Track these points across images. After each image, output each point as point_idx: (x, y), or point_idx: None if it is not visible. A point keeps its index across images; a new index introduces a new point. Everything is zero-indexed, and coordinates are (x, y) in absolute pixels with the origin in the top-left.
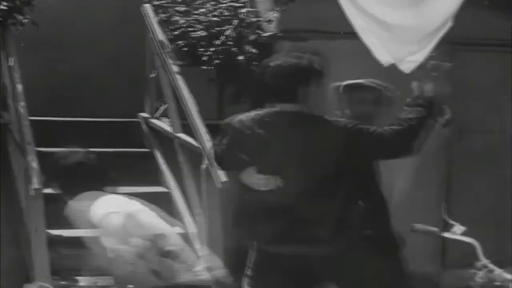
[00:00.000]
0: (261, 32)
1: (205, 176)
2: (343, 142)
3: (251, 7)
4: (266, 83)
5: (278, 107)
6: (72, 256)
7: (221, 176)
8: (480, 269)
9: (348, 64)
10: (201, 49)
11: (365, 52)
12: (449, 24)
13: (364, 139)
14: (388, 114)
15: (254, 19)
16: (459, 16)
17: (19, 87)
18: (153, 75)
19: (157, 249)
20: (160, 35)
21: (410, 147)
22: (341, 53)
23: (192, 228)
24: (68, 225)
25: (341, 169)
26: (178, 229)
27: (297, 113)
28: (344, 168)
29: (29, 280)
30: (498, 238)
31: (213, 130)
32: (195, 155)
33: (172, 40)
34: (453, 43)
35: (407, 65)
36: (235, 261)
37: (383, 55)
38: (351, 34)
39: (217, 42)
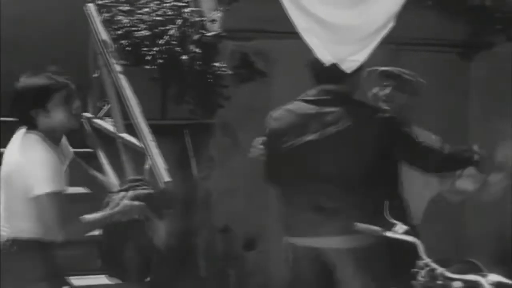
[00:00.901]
0: (205, 32)
1: (148, 176)
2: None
3: (195, 7)
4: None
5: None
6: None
7: (164, 176)
8: (422, 268)
9: (292, 63)
10: (145, 49)
11: (310, 51)
12: (391, 24)
13: (406, 145)
14: (414, 104)
15: (198, 19)
16: (403, 16)
17: None
18: (96, 75)
19: None
20: (103, 34)
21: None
22: (285, 52)
23: None
24: None
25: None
26: None
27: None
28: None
29: None
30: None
31: (156, 130)
32: (138, 155)
33: (115, 40)
34: (397, 43)
35: (349, 65)
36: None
37: (325, 55)
38: (295, 34)
39: (161, 41)
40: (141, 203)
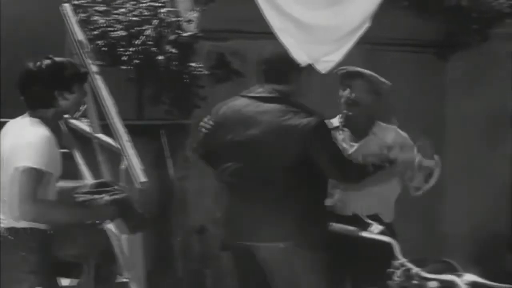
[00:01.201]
0: (181, 32)
1: (124, 177)
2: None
3: (171, 7)
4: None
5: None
6: None
7: (140, 176)
8: (398, 268)
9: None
10: (121, 49)
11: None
12: (367, 25)
13: (323, 155)
14: (378, 106)
15: (174, 19)
16: (379, 16)
17: None
18: None
19: None
20: (79, 34)
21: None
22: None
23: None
24: None
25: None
26: None
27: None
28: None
29: None
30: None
31: (132, 130)
32: (114, 156)
33: (91, 40)
34: (373, 44)
35: (324, 65)
36: None
37: (300, 55)
38: (271, 34)
39: (137, 42)
40: (115, 209)
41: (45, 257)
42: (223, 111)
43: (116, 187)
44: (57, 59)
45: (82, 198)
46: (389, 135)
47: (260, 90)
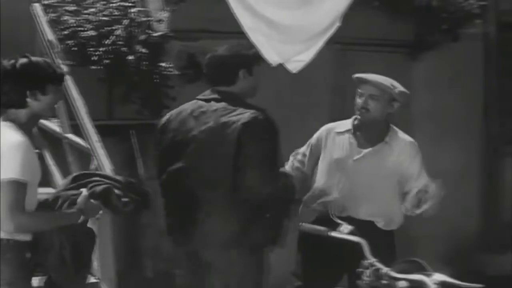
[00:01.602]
0: (151, 32)
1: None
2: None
3: (142, 7)
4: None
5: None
6: None
7: None
8: (367, 268)
9: None
10: (91, 49)
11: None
12: (337, 25)
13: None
14: (386, 112)
15: (144, 19)
16: (349, 16)
17: None
18: None
19: None
20: (49, 34)
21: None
22: None
23: None
24: None
25: None
26: None
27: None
28: None
29: None
30: None
31: (102, 130)
32: (84, 156)
33: (61, 40)
34: (343, 43)
35: (294, 65)
36: None
37: (271, 55)
38: (242, 34)
39: (107, 41)
40: (98, 201)
41: (22, 269)
42: (172, 116)
43: (95, 178)
44: (33, 58)
45: (60, 196)
46: (403, 147)
47: (207, 93)
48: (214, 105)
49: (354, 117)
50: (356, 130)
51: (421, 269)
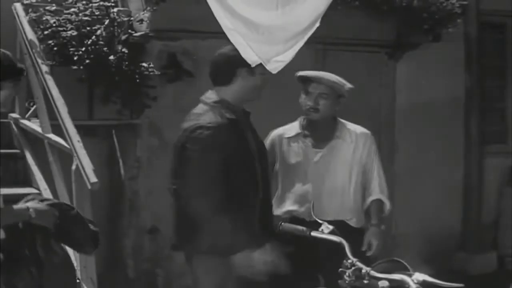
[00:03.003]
0: (132, 32)
1: (75, 177)
2: None
3: (122, 7)
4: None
5: None
6: None
7: (91, 176)
8: (348, 268)
9: None
10: (72, 49)
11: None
12: (317, 25)
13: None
14: (335, 109)
15: (125, 19)
16: (330, 16)
17: None
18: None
19: None
20: (30, 34)
21: None
22: (212, 52)
23: None
24: None
25: None
26: None
27: None
28: None
29: None
30: None
31: (83, 130)
32: (65, 156)
33: (42, 40)
34: (324, 43)
35: (274, 65)
36: None
37: (250, 55)
38: (222, 34)
39: (88, 41)
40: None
41: None
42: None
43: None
44: None
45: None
46: (350, 133)
47: (208, 95)
48: (202, 107)
49: (301, 117)
50: (305, 131)
51: (402, 269)
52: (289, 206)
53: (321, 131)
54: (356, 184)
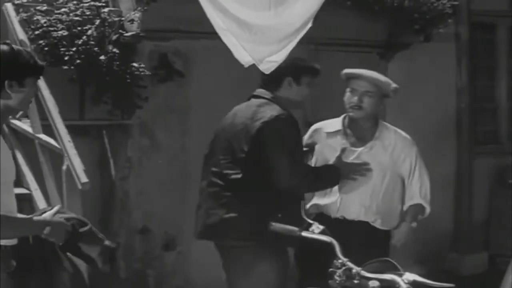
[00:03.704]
0: (123, 32)
1: (66, 177)
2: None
3: (113, 7)
4: None
5: None
6: None
7: (82, 177)
8: (338, 268)
9: (210, 63)
10: (63, 49)
11: (229, 52)
12: (309, 25)
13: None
14: (378, 108)
15: (116, 19)
16: (322, 17)
17: None
18: None
19: None
20: (21, 34)
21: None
22: (203, 52)
23: None
24: None
25: None
26: None
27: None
28: None
29: None
30: None
31: (74, 130)
32: (56, 156)
33: (33, 40)
34: (317, 44)
35: (267, 66)
36: None
37: (243, 56)
38: (214, 34)
39: (79, 42)
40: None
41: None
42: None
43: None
44: (15, 47)
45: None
46: (390, 137)
47: (255, 93)
48: (247, 103)
49: (344, 115)
50: (347, 128)
51: (392, 269)
52: (316, 200)
53: (361, 131)
54: (387, 188)
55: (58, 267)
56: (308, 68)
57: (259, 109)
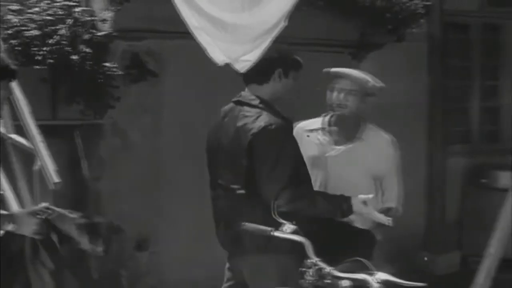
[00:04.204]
0: (95, 32)
1: (37, 177)
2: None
3: (86, 6)
4: None
5: None
6: None
7: (54, 177)
8: (310, 267)
9: (183, 63)
10: (35, 49)
11: (202, 51)
12: (283, 24)
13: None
14: (362, 107)
15: (88, 18)
16: (295, 16)
17: None
18: None
19: None
20: None
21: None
22: (177, 52)
23: None
24: None
25: None
26: None
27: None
28: None
29: None
30: None
31: (46, 130)
32: (27, 156)
33: (5, 39)
34: (289, 43)
35: (242, 65)
36: None
37: (218, 55)
38: (187, 34)
39: (51, 41)
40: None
41: None
42: (214, 119)
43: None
44: None
45: None
46: (380, 144)
47: (239, 94)
48: (237, 109)
49: (329, 113)
50: (328, 126)
51: (364, 268)
52: None
53: (343, 130)
54: (366, 188)
55: (35, 262)
56: (295, 60)
57: (249, 118)
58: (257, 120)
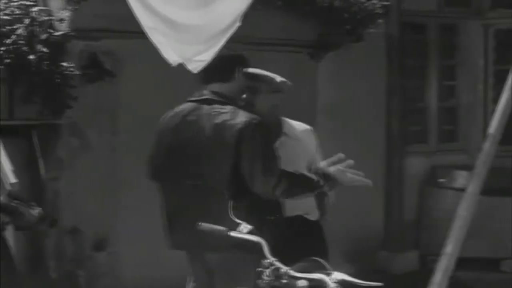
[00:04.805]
0: (53, 31)
1: None
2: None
3: (43, 6)
4: None
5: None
6: None
7: (10, 177)
8: (267, 267)
9: (140, 63)
10: None
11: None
12: (238, 24)
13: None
14: (272, 106)
15: (46, 18)
16: (252, 16)
17: None
18: None
19: None
20: None
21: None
22: (134, 52)
23: None
24: None
25: None
26: None
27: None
28: None
29: None
30: None
31: (3, 130)
32: None
33: None
34: (245, 43)
35: (195, 65)
36: None
37: (171, 55)
38: (144, 33)
39: (8, 41)
40: None
41: None
42: (169, 119)
43: None
44: None
45: None
46: (304, 135)
47: (199, 93)
48: (206, 108)
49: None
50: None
51: (321, 268)
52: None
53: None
54: None
55: None
56: (244, 57)
57: (227, 115)
58: (237, 116)
